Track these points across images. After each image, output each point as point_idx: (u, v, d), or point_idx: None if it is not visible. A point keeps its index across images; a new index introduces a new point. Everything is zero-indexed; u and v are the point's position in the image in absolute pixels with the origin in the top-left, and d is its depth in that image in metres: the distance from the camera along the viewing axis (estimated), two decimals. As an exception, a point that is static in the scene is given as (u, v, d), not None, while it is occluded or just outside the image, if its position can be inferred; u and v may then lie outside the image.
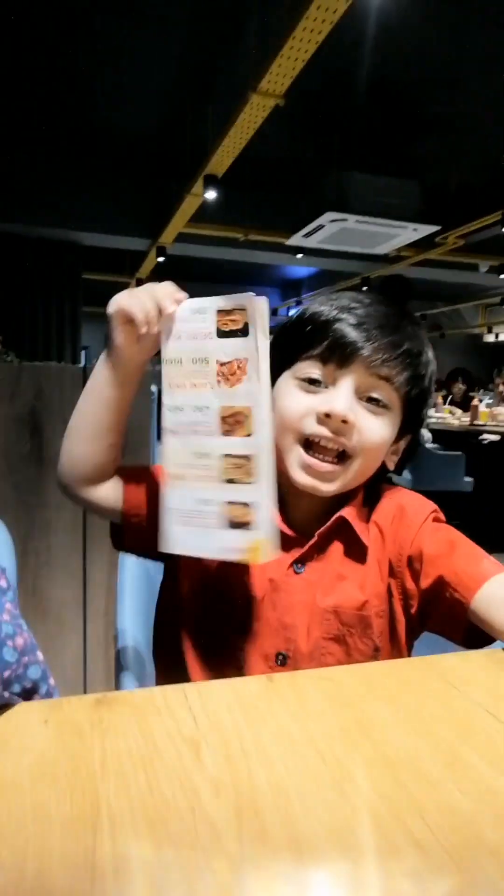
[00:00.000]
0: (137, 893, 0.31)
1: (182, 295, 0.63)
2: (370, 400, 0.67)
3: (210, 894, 0.31)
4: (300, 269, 9.11)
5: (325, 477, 0.67)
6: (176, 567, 0.74)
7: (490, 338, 12.14)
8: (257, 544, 0.57)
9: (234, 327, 0.58)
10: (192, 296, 0.64)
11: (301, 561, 0.70)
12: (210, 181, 4.66)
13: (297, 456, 0.68)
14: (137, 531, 0.72)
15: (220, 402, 0.59)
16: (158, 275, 8.49)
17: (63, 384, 1.69)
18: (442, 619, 0.68)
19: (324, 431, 0.66)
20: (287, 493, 0.71)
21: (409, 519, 0.72)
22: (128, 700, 0.49)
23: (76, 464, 0.71)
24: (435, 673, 0.56)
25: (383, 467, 0.74)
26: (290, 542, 0.70)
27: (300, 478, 0.68)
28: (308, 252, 6.79)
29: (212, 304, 0.59)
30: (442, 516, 0.74)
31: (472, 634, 0.65)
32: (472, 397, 5.31)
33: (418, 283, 9.47)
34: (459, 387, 5.64)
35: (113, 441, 0.70)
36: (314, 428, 0.67)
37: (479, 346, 12.52)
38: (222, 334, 0.59)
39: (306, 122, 4.76)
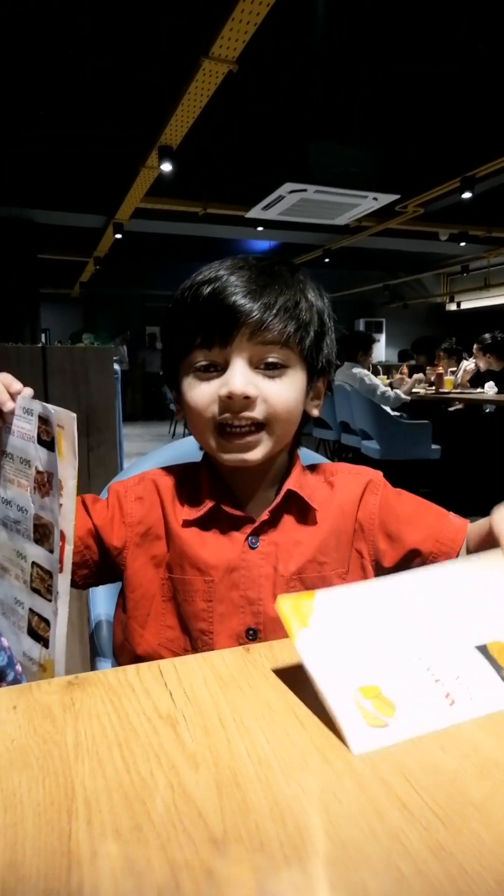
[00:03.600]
0: (117, 876, 0.30)
1: (18, 387, 0.64)
2: (267, 366, 0.67)
3: (192, 871, 0.30)
4: (262, 242, 9.02)
5: (246, 447, 0.67)
6: (132, 574, 0.74)
7: (452, 307, 12.28)
8: (48, 663, 0.57)
9: (46, 438, 0.57)
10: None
11: (254, 535, 0.71)
12: (165, 153, 4.55)
13: (215, 441, 0.68)
14: (89, 566, 0.73)
15: (34, 508, 0.58)
16: (117, 253, 8.30)
17: (22, 365, 1.64)
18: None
19: (230, 414, 0.66)
20: (227, 476, 0.73)
21: (374, 486, 0.76)
22: (101, 681, 0.48)
23: None
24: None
25: (308, 418, 0.75)
26: (240, 521, 0.71)
27: (225, 458, 0.68)
28: (268, 225, 6.72)
29: (36, 407, 0.58)
30: (381, 477, 0.79)
31: None
32: (436, 366, 5.36)
33: (380, 254, 9.49)
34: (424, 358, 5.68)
35: None
36: (221, 413, 0.66)
37: (441, 315, 12.65)
38: (41, 441, 0.58)
39: (262, 90, 4.66)
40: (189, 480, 0.75)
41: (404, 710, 0.42)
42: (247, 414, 0.65)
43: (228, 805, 0.34)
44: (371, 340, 4.60)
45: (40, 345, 1.72)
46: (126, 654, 0.74)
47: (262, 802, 0.34)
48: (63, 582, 0.55)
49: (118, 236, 6.86)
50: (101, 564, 0.74)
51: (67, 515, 0.55)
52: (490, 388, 4.62)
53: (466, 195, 5.43)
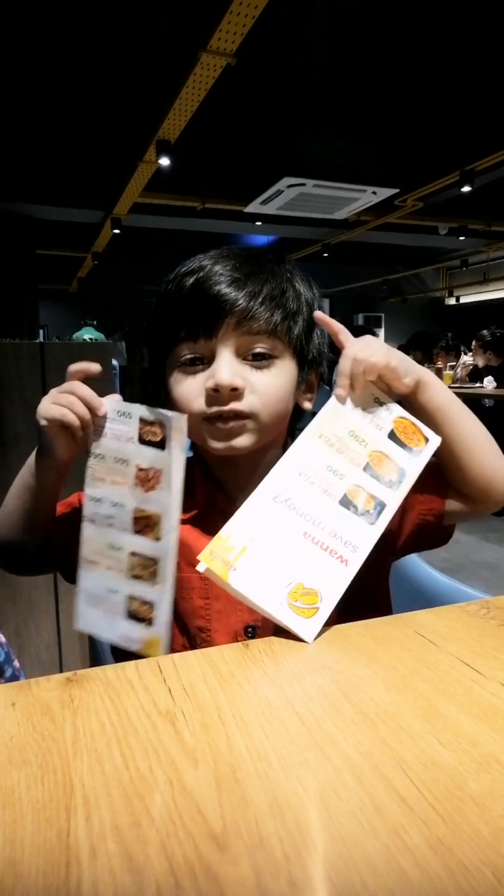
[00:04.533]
0: (115, 873, 0.30)
1: (98, 402, 0.64)
2: (255, 357, 0.66)
3: (192, 868, 0.30)
4: (260, 237, 8.99)
5: (235, 432, 0.66)
6: None
7: (451, 301, 12.25)
8: (153, 640, 0.60)
9: (153, 438, 0.60)
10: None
11: None
12: (163, 147, 4.53)
13: (204, 431, 0.67)
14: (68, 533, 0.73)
15: (134, 503, 0.61)
16: (115, 248, 8.27)
17: (20, 362, 1.63)
18: (416, 536, 0.73)
19: (217, 406, 0.65)
20: (218, 471, 0.73)
21: None
22: (100, 677, 0.48)
23: (8, 546, 0.74)
24: (410, 629, 0.55)
25: (301, 411, 0.74)
26: (233, 512, 0.70)
27: (215, 445, 0.67)
28: (267, 219, 6.69)
29: (137, 411, 0.61)
30: None
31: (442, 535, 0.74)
32: (435, 362, 5.35)
33: (378, 248, 9.47)
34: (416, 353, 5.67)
35: (43, 522, 0.73)
36: (209, 406, 0.65)
37: (440, 309, 12.62)
38: (143, 441, 0.60)
39: (260, 84, 4.64)
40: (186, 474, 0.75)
41: (322, 589, 0.56)
42: (234, 406, 0.64)
43: (228, 801, 0.34)
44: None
45: (38, 341, 1.72)
46: (124, 650, 0.73)
47: (262, 798, 0.34)
48: (172, 565, 0.59)
49: (116, 231, 6.84)
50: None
51: (174, 506, 0.59)
52: (489, 383, 4.62)
53: (466, 189, 5.41)
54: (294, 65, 4.42)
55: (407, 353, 5.48)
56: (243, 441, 0.67)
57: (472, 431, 0.68)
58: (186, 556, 0.69)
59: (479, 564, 2.90)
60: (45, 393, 0.64)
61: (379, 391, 0.64)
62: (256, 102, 4.99)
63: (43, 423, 0.62)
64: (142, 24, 3.94)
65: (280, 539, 0.57)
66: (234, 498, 0.72)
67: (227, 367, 0.64)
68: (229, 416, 0.65)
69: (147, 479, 0.60)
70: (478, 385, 4.76)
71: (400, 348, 5.68)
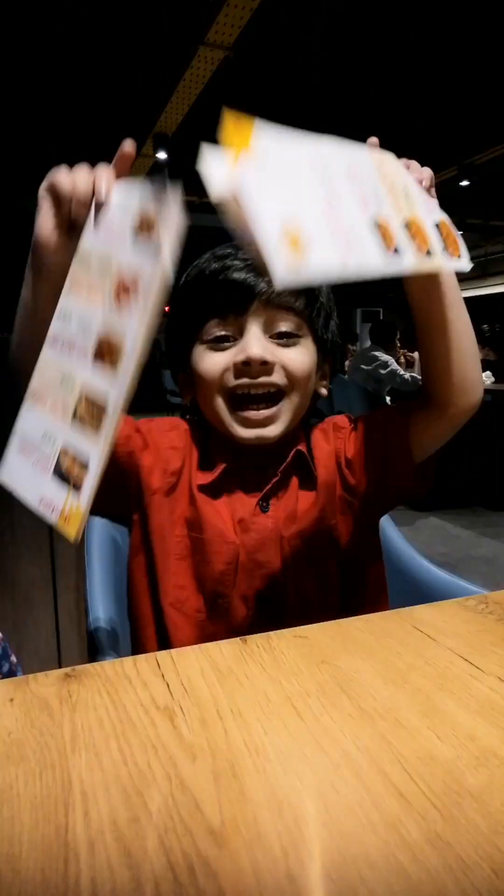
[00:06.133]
0: (114, 868, 0.30)
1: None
2: (280, 336, 0.67)
3: (190, 863, 0.30)
4: (258, 232, 8.95)
5: (265, 422, 0.67)
6: (145, 529, 0.72)
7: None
8: (74, 514, 0.47)
9: (146, 235, 0.47)
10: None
11: (265, 499, 0.71)
12: (160, 140, 4.51)
13: (229, 415, 0.68)
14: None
15: (102, 324, 0.48)
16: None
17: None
18: (389, 467, 0.73)
19: (247, 380, 0.66)
20: (238, 444, 0.72)
21: (342, 430, 0.77)
22: (98, 673, 0.48)
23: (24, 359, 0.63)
24: (408, 624, 0.55)
25: (317, 397, 0.75)
26: (251, 482, 0.71)
27: (243, 433, 0.68)
28: (265, 214, 6.67)
29: (136, 199, 0.48)
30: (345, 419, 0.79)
31: (419, 475, 0.73)
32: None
33: (377, 243, 9.43)
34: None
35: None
36: (237, 380, 0.66)
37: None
38: (135, 237, 0.48)
39: (259, 77, 4.61)
40: (202, 438, 0.75)
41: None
42: (265, 379, 0.66)
43: (226, 796, 0.34)
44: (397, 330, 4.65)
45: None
46: (135, 616, 0.73)
47: (260, 793, 0.34)
48: (117, 416, 0.47)
49: (114, 226, 6.82)
50: (117, 487, 0.69)
51: (141, 332, 0.46)
52: (487, 378, 4.62)
53: (464, 183, 5.41)
54: (292, 58, 4.40)
55: (406, 343, 5.43)
56: (274, 430, 0.68)
57: (465, 326, 0.67)
58: (209, 520, 0.69)
59: (477, 559, 2.91)
60: None
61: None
62: (254, 96, 4.96)
63: (42, 186, 0.54)
64: (139, 18, 3.91)
65: None
66: (249, 464, 0.72)
67: (256, 340, 0.65)
68: (260, 399, 0.66)
69: (124, 290, 0.48)
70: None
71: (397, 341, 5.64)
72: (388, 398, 4.49)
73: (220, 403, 0.68)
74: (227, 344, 0.67)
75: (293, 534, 0.70)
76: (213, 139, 0.45)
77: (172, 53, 3.74)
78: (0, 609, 1.68)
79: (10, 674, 0.51)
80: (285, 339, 0.67)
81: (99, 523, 0.90)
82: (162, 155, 4.66)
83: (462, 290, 0.68)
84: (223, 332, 0.67)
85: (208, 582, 0.69)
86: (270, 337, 0.67)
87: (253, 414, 0.66)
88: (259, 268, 0.47)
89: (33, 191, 0.55)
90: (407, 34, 4.16)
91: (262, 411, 0.67)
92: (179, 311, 0.71)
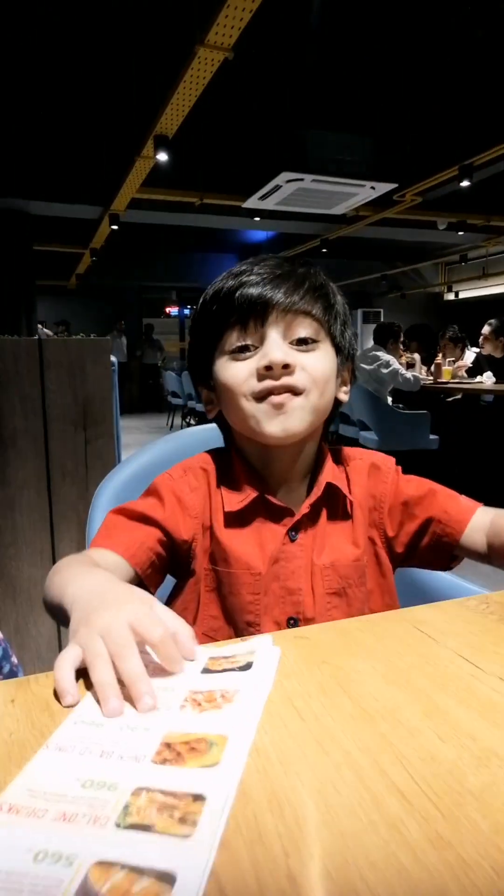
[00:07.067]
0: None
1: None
2: (299, 342, 0.69)
3: (191, 862, 0.30)
4: (259, 233, 8.98)
5: (289, 411, 0.68)
6: (196, 566, 0.74)
7: (450, 296, 12.23)
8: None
9: (220, 667, 0.48)
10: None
11: (294, 529, 0.72)
12: (161, 142, 4.51)
13: (256, 409, 0.69)
14: (155, 572, 0.72)
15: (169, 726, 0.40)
16: (113, 244, 8.25)
17: (18, 359, 1.63)
18: (430, 552, 0.76)
19: (270, 382, 0.68)
20: (258, 464, 0.74)
21: (384, 473, 0.78)
22: (99, 673, 0.48)
23: None
24: (409, 625, 0.55)
25: (339, 403, 0.77)
26: (280, 513, 0.72)
27: (271, 428, 0.68)
28: (265, 215, 6.67)
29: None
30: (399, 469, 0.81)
31: (453, 560, 0.77)
32: (434, 355, 5.34)
33: (377, 244, 9.45)
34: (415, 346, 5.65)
35: None
36: (261, 383, 0.68)
37: (439, 304, 12.61)
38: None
39: (258, 78, 4.62)
40: (225, 469, 0.76)
41: None
42: (287, 380, 0.67)
43: (227, 797, 0.34)
44: (401, 331, 4.67)
45: (37, 337, 1.72)
46: None
47: (260, 794, 0.34)
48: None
49: (114, 227, 6.82)
50: (170, 564, 0.74)
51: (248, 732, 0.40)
52: (488, 378, 4.62)
53: (465, 183, 5.40)
54: (293, 59, 4.40)
55: (405, 346, 5.43)
56: (299, 426, 0.69)
57: None
58: (234, 553, 0.71)
59: (478, 559, 2.91)
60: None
61: None
62: (255, 97, 4.97)
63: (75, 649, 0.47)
64: (139, 19, 3.92)
65: None
66: (275, 491, 0.74)
67: (277, 346, 0.68)
68: (282, 390, 0.68)
69: (209, 700, 0.43)
70: (477, 380, 4.76)
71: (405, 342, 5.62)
72: (389, 399, 4.50)
73: (244, 403, 0.69)
74: (248, 353, 0.69)
75: (323, 564, 0.72)
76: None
77: (172, 55, 3.74)
78: (1, 610, 1.68)
79: (12, 674, 0.51)
80: (304, 344, 0.69)
81: (100, 524, 0.90)
82: (162, 156, 4.66)
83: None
84: (244, 343, 0.69)
85: (237, 612, 0.71)
86: (290, 343, 0.69)
87: (276, 399, 0.68)
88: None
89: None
90: (407, 33, 4.16)
91: (284, 405, 0.68)
92: (201, 328, 0.74)
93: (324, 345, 0.71)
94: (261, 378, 0.68)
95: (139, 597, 0.50)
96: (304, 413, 0.69)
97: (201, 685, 0.45)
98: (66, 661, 0.45)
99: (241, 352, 0.69)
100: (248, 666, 0.47)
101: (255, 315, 0.68)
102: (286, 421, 0.68)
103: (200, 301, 0.75)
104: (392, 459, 0.80)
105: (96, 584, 0.54)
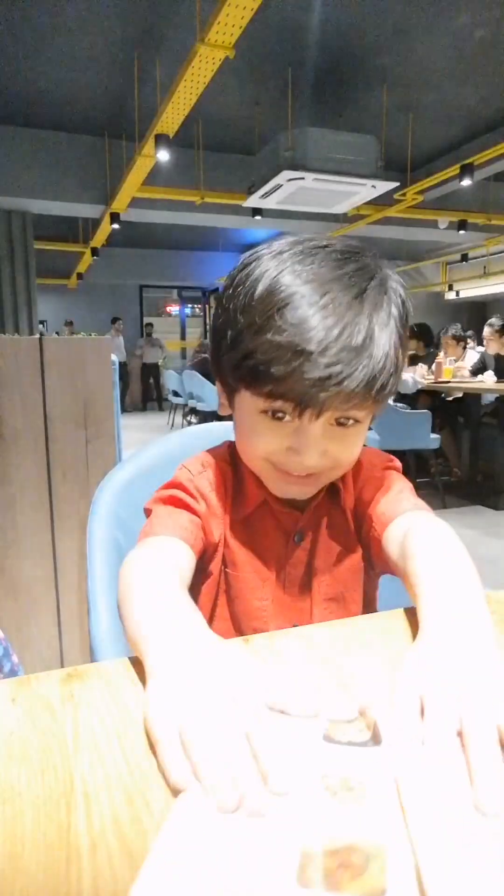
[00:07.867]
0: (116, 868, 0.30)
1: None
2: (340, 423, 0.60)
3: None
4: (260, 231, 8.96)
5: (303, 483, 0.64)
6: (206, 581, 0.72)
7: (451, 295, 12.22)
8: None
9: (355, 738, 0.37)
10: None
11: (300, 532, 0.71)
12: (162, 141, 4.50)
13: (271, 472, 0.64)
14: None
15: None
16: (113, 243, 8.25)
17: (19, 357, 1.63)
18: (375, 557, 0.69)
19: (293, 465, 0.61)
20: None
21: (364, 472, 0.73)
22: (100, 672, 0.48)
23: None
24: (409, 623, 0.55)
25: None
26: (286, 518, 0.70)
27: (281, 491, 0.66)
28: (266, 214, 6.67)
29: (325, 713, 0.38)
30: (397, 465, 0.75)
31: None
32: (435, 354, 5.34)
33: (378, 242, 9.44)
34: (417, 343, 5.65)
35: None
36: (284, 462, 0.61)
37: (440, 303, 12.60)
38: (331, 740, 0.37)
39: (259, 77, 4.62)
40: (232, 470, 0.73)
41: None
42: (312, 469, 0.62)
43: (228, 796, 0.34)
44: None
45: (37, 336, 1.72)
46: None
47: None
48: None
49: (115, 226, 6.81)
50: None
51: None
52: (489, 378, 4.61)
53: (466, 182, 5.39)
54: (293, 58, 4.40)
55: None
56: (312, 491, 0.67)
57: None
58: (244, 556, 0.69)
59: (479, 560, 2.90)
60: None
61: None
62: (255, 95, 4.96)
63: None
64: (139, 17, 3.91)
65: None
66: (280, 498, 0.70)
67: (315, 451, 0.59)
68: (304, 472, 0.62)
69: (347, 788, 0.33)
70: (478, 379, 4.75)
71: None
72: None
73: (259, 462, 0.64)
74: (281, 418, 0.59)
75: (324, 569, 0.71)
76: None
77: (173, 53, 3.74)
78: (2, 609, 1.68)
79: (12, 673, 0.51)
80: (344, 425, 0.60)
81: (101, 523, 0.90)
82: (163, 155, 4.65)
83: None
84: (282, 413, 0.58)
85: (244, 618, 0.70)
86: (329, 424, 0.59)
87: (293, 479, 0.63)
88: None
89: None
90: (408, 32, 4.16)
91: (301, 482, 0.63)
92: (223, 341, 0.60)
93: (365, 419, 0.61)
94: (285, 457, 0.61)
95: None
96: (321, 483, 0.66)
97: (330, 763, 0.34)
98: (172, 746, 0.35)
99: (276, 412, 0.59)
100: (374, 737, 0.36)
101: (307, 413, 0.56)
102: (300, 491, 0.65)
103: (226, 297, 0.60)
104: (383, 459, 0.75)
105: (178, 646, 0.44)
